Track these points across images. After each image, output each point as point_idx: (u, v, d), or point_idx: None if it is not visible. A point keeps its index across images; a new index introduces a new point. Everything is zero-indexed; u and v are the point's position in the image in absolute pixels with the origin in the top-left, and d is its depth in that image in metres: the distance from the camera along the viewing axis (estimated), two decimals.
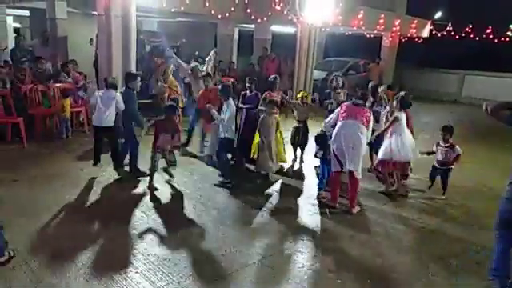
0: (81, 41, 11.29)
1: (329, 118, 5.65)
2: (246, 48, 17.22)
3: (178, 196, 5.61)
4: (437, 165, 6.01)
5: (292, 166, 6.96)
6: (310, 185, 6.27)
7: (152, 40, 13.39)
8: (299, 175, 6.74)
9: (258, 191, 5.93)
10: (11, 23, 14.69)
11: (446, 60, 19.38)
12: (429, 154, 6.10)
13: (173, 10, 9.63)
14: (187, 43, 13.36)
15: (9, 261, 3.75)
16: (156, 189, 5.67)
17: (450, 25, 16.52)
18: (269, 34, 14.70)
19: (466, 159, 5.62)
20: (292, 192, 6.03)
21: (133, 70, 8.79)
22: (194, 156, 7.38)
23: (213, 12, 10.04)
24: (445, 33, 16.62)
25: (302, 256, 4.26)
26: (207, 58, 9.47)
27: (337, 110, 5.55)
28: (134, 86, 6.19)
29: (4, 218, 3.93)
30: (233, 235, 4.63)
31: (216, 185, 5.99)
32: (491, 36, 16.26)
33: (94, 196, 5.45)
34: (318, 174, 6.24)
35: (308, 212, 5.40)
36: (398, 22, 15.52)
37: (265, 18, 11.50)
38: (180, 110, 7.73)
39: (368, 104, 6.16)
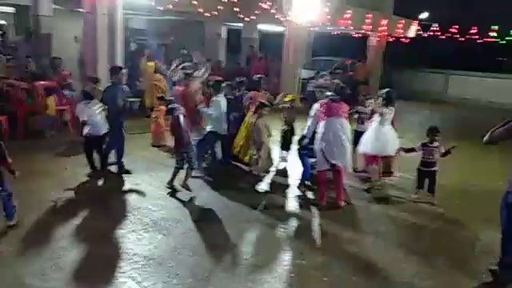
0: (66, 38, 11.12)
1: (309, 123, 5.58)
2: (234, 47, 17.19)
3: (163, 195, 5.56)
4: (423, 168, 5.80)
5: (278, 166, 6.99)
6: (296, 183, 6.28)
7: (138, 38, 13.29)
8: (285, 173, 6.76)
9: (245, 189, 5.93)
10: None
11: (432, 60, 19.65)
12: (408, 151, 5.92)
13: (160, 8, 9.55)
14: (175, 41, 13.29)
15: (17, 224, 4.25)
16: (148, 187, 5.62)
17: (435, 25, 16.75)
18: (256, 33, 14.71)
19: (450, 157, 5.69)
20: (278, 190, 6.04)
21: None
22: None
23: (200, 10, 9.99)
24: (431, 33, 16.85)
25: (289, 254, 4.28)
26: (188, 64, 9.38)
27: (314, 109, 5.53)
28: (119, 80, 6.07)
29: None
30: (219, 234, 4.62)
31: (193, 176, 5.87)
32: (475, 37, 16.56)
33: (78, 195, 5.39)
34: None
35: (294, 210, 5.43)
36: (384, 22, 15.65)
37: (252, 17, 11.49)
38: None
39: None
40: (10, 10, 13.26)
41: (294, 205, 5.59)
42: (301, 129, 7.32)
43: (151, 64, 9.92)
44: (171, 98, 7.11)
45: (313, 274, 3.95)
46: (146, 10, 11.65)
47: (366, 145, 5.98)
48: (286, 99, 7.24)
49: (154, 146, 7.68)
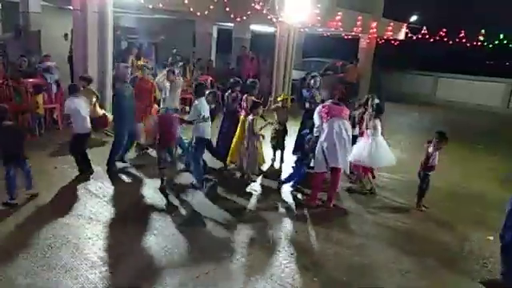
0: (55, 35, 10.99)
1: (317, 123, 5.57)
2: (224, 47, 17.15)
3: (153, 196, 5.53)
4: (429, 172, 5.61)
5: (271, 166, 7.00)
6: (287, 185, 6.28)
7: (129, 36, 13.18)
8: (278, 175, 6.76)
9: (237, 191, 5.91)
10: None
11: (421, 62, 19.84)
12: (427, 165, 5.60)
13: (151, 7, 9.49)
14: (165, 40, 13.22)
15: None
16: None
17: (424, 28, 16.92)
18: (248, 34, 14.68)
19: (440, 159, 5.73)
20: (270, 191, 6.04)
21: (109, 66, 8.64)
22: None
23: (191, 9, 9.95)
24: (420, 36, 17.02)
25: (280, 255, 4.28)
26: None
27: (317, 112, 5.55)
28: (121, 78, 6.18)
29: None
30: (211, 234, 4.61)
31: (192, 185, 5.89)
32: (464, 40, 16.77)
33: (68, 194, 5.33)
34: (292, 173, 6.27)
35: (286, 211, 5.43)
36: (374, 24, 15.78)
37: (244, 17, 11.48)
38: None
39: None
40: None
41: (284, 206, 5.59)
42: (293, 129, 7.38)
43: (140, 62, 9.84)
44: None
45: (304, 274, 3.96)
46: (137, 9, 11.56)
47: (362, 157, 5.91)
48: (279, 99, 7.26)
49: (149, 145, 7.45)
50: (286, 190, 6.06)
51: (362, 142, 6.00)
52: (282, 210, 5.48)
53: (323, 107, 5.51)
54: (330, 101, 5.59)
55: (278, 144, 6.99)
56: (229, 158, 6.59)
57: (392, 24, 16.76)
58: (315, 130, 5.65)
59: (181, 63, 10.27)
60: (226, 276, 3.82)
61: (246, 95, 6.66)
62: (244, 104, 6.59)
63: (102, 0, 8.30)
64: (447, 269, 4.27)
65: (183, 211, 5.13)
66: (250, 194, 5.87)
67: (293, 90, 13.27)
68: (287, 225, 5.05)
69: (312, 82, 7.35)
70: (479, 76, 17.50)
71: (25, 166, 5.09)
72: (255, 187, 6.14)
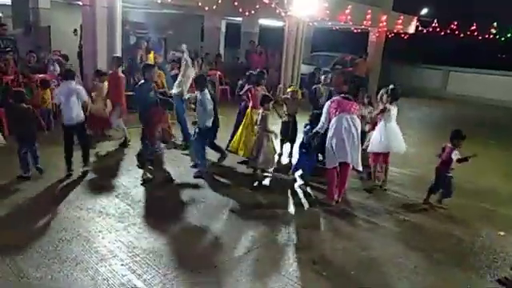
0: (64, 31, 11.06)
1: (323, 119, 5.46)
2: (233, 41, 17.12)
3: (162, 189, 5.57)
4: (451, 173, 5.54)
5: (279, 160, 6.98)
6: (297, 179, 6.28)
7: (138, 31, 13.20)
8: (287, 169, 6.74)
9: (245, 185, 5.92)
10: None
11: (431, 56, 19.61)
12: (461, 161, 5.41)
13: (159, 1, 9.50)
14: (174, 35, 13.22)
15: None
16: (147, 181, 5.65)
17: (435, 21, 16.69)
18: (256, 28, 14.64)
19: None
20: (279, 185, 6.04)
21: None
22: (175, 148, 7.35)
23: (200, 4, 9.94)
24: (430, 29, 16.79)
25: (288, 249, 4.28)
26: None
27: (326, 107, 5.46)
28: (151, 77, 6.08)
29: None
30: (218, 228, 4.63)
31: (194, 176, 5.94)
32: (475, 33, 16.50)
33: (78, 188, 5.38)
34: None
35: (294, 205, 5.43)
36: (384, 17, 15.60)
37: (252, 12, 11.44)
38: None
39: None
40: (7, 1, 13.15)
41: (294, 201, 5.58)
42: (302, 123, 7.34)
43: (150, 56, 9.83)
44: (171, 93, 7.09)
45: (312, 268, 3.96)
46: (145, 3, 11.58)
47: (374, 144, 5.95)
48: (289, 90, 7.24)
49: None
50: (296, 185, 6.06)
51: (377, 132, 5.98)
52: (291, 204, 5.48)
53: (332, 102, 5.39)
54: (340, 95, 5.52)
55: (288, 136, 6.95)
56: (241, 152, 6.53)
57: (402, 17, 16.56)
58: (319, 126, 5.52)
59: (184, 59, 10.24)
60: (232, 270, 3.82)
61: (253, 86, 6.66)
62: (250, 94, 6.59)
63: None
64: (456, 264, 4.24)
65: (192, 206, 5.15)
66: (258, 188, 5.88)
67: (301, 84, 13.22)
68: (295, 219, 5.04)
69: (323, 77, 7.29)
70: (491, 70, 17.24)
71: (33, 146, 5.54)
72: (264, 181, 6.14)
